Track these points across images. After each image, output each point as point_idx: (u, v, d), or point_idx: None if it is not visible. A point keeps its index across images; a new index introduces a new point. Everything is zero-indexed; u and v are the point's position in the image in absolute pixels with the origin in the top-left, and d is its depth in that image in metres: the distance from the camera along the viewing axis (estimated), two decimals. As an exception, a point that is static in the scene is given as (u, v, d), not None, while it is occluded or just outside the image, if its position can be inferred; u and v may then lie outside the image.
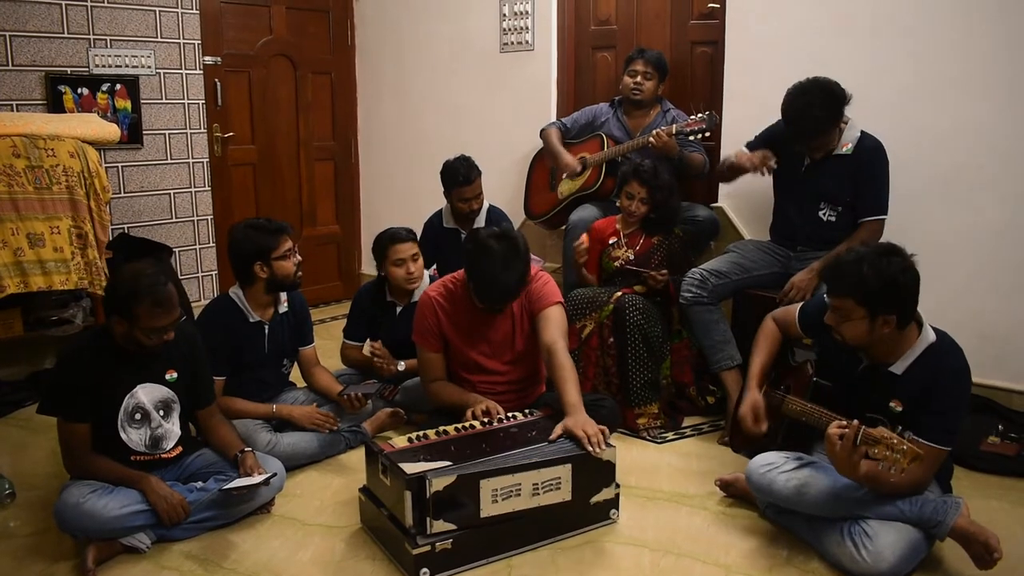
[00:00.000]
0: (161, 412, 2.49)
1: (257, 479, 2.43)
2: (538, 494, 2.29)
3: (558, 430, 2.41)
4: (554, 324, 2.69)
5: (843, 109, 2.93)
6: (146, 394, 2.45)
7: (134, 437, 2.44)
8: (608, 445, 2.40)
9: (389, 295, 3.39)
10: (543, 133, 4.04)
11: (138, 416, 2.44)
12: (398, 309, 3.37)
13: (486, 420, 2.55)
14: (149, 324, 2.32)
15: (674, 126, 3.49)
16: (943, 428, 2.14)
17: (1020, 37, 2.97)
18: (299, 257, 2.97)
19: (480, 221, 3.79)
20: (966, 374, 2.20)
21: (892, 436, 2.01)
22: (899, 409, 2.22)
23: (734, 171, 3.26)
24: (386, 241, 3.31)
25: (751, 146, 3.29)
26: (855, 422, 2.11)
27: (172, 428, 2.52)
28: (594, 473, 2.39)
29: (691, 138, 3.50)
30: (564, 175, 3.91)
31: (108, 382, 2.39)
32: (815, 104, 2.89)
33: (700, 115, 3.46)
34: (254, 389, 2.97)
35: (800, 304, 2.63)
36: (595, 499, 2.42)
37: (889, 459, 2.00)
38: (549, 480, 2.29)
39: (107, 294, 2.45)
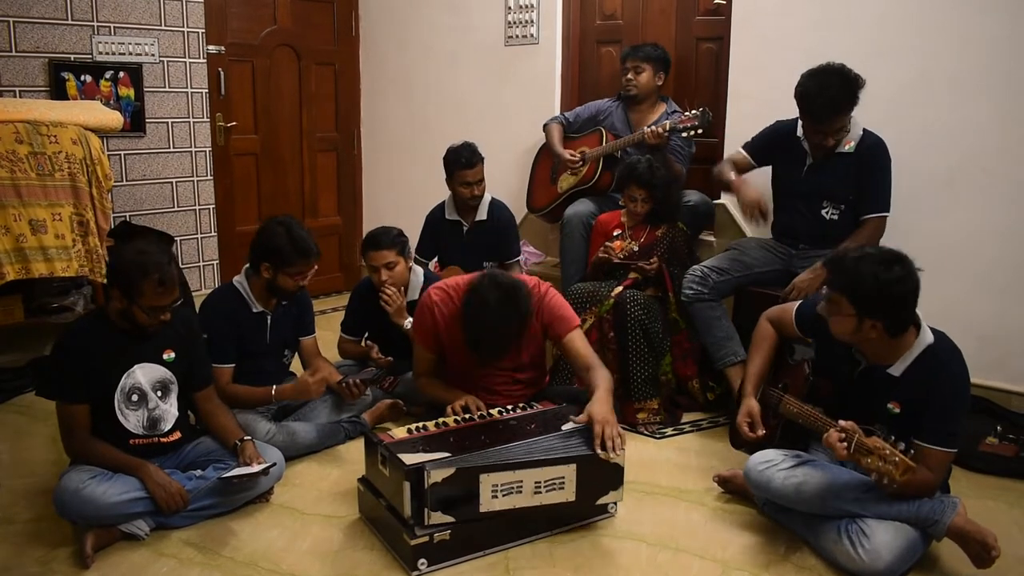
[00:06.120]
0: (159, 393, 2.49)
1: (256, 468, 2.44)
2: (540, 492, 2.26)
3: (584, 416, 2.39)
4: (583, 348, 2.70)
5: (858, 93, 2.88)
6: (144, 374, 2.46)
7: (131, 419, 2.44)
8: (621, 450, 2.35)
9: None
10: (545, 129, 4.05)
11: (135, 397, 2.44)
12: None
13: (466, 416, 2.55)
14: (150, 302, 2.33)
15: (667, 122, 3.49)
16: (945, 430, 2.14)
17: (1022, 35, 2.96)
18: (306, 282, 2.95)
19: (482, 212, 3.79)
20: (965, 376, 2.20)
21: (885, 447, 2.01)
22: (897, 411, 2.21)
23: (726, 189, 3.25)
24: (366, 245, 3.24)
25: (749, 147, 3.29)
26: (851, 424, 2.10)
27: (170, 409, 2.52)
28: (601, 475, 2.35)
29: (684, 135, 3.49)
30: (568, 171, 3.91)
31: (106, 362, 2.39)
32: (832, 85, 2.86)
33: (693, 112, 3.46)
34: (255, 378, 2.95)
35: (797, 304, 2.59)
36: (601, 501, 2.39)
37: (882, 469, 2.00)
38: (552, 479, 2.27)
39: (111, 269, 2.45)
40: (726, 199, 3.76)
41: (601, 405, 2.41)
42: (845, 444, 2.08)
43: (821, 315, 2.28)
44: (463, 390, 2.76)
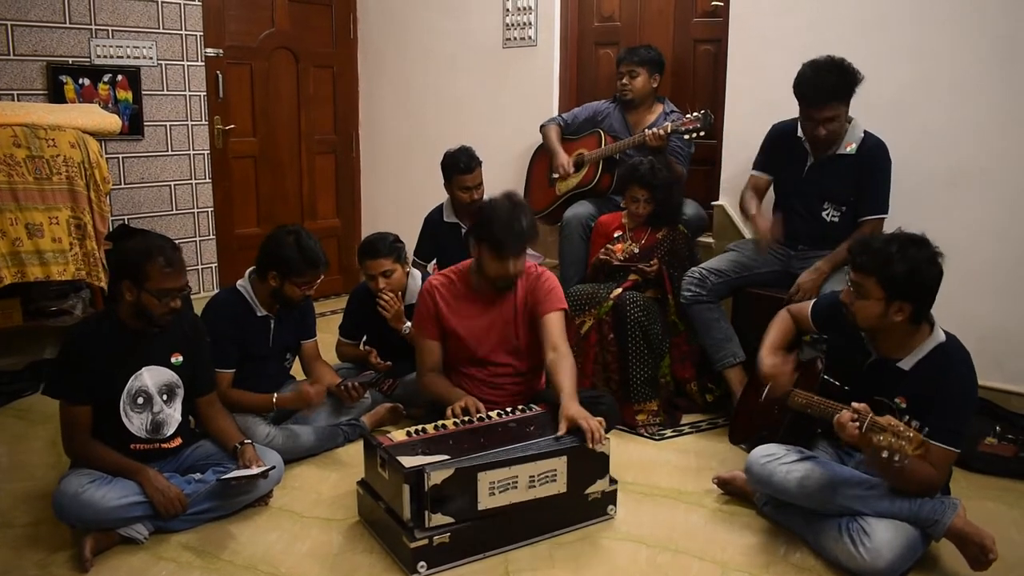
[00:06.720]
0: (164, 396, 2.49)
1: (255, 471, 2.43)
2: (534, 486, 2.29)
3: (564, 424, 2.41)
4: (556, 329, 2.71)
5: (855, 84, 2.89)
6: (151, 377, 2.46)
7: (135, 422, 2.44)
8: (605, 439, 2.41)
9: None
10: (543, 129, 4.05)
11: (140, 400, 2.44)
12: None
13: (466, 419, 2.55)
14: (159, 285, 2.33)
15: (669, 124, 3.50)
16: (950, 428, 2.14)
17: (1022, 36, 2.97)
18: (312, 292, 2.96)
19: (480, 215, 3.79)
20: (973, 377, 2.21)
21: (898, 424, 2.00)
22: (903, 406, 2.22)
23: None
24: (363, 253, 3.26)
25: (759, 164, 3.29)
26: (863, 405, 2.09)
27: (173, 414, 2.51)
28: (588, 465, 2.40)
29: (686, 137, 3.50)
30: (556, 174, 3.92)
31: (114, 363, 2.39)
32: (829, 71, 2.88)
33: (695, 114, 3.46)
34: (255, 382, 2.95)
35: (812, 301, 2.62)
36: (589, 491, 2.42)
37: (895, 446, 1.98)
38: (545, 472, 2.30)
39: (117, 259, 2.46)
40: (724, 200, 3.77)
41: (574, 407, 2.44)
42: (857, 424, 2.06)
43: (839, 305, 2.28)
44: (465, 389, 2.77)
